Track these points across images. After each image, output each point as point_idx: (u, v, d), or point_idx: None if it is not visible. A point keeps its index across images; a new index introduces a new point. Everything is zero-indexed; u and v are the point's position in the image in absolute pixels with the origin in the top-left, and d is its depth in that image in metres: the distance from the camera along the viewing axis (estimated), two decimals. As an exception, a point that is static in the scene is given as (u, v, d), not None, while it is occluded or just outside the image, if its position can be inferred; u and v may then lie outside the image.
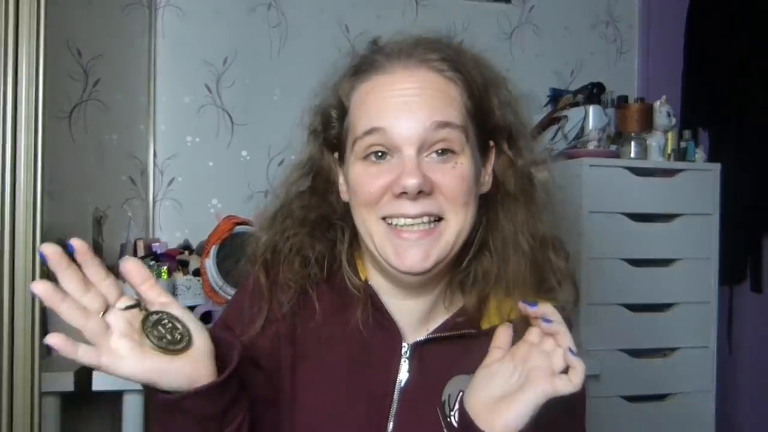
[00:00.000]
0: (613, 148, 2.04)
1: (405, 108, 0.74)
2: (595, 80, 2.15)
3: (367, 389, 0.79)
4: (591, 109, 2.01)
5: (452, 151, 0.75)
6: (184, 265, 1.81)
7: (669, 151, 2.05)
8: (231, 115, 2.15)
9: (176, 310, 0.66)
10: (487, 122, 0.80)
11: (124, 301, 0.64)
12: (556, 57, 2.41)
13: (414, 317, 0.82)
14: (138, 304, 0.64)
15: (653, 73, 2.47)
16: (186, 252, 1.88)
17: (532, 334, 0.72)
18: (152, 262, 1.69)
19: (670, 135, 2.05)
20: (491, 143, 0.81)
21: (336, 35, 2.20)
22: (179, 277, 1.76)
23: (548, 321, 0.69)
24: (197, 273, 1.75)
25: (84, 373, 1.49)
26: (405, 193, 0.73)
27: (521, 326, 0.75)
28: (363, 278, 0.82)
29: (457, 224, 0.75)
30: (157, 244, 1.87)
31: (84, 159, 2.02)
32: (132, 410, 1.49)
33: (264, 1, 2.17)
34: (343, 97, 0.80)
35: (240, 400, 0.70)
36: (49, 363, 1.55)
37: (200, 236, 1.86)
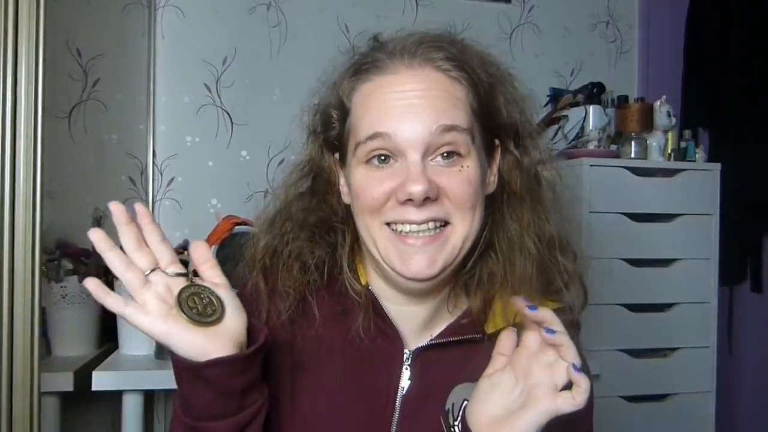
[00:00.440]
0: (613, 148, 2.04)
1: (409, 111, 0.72)
2: (595, 80, 2.15)
3: (368, 396, 0.77)
4: (591, 109, 2.01)
5: (458, 154, 0.72)
6: (184, 265, 1.81)
7: (669, 151, 2.05)
8: (231, 115, 2.15)
9: (223, 292, 0.69)
10: (493, 121, 0.78)
11: (175, 268, 0.68)
12: (556, 57, 2.41)
13: (416, 323, 0.80)
14: (186, 275, 0.68)
15: (653, 73, 2.47)
16: (186, 252, 1.87)
17: (530, 340, 0.70)
18: (152, 262, 1.68)
19: (670, 135, 2.05)
20: (497, 142, 0.79)
21: (336, 35, 2.20)
22: (179, 277, 1.76)
23: (551, 331, 0.67)
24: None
25: (83, 373, 1.49)
26: (410, 200, 0.71)
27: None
28: (364, 283, 0.80)
29: (463, 229, 0.74)
30: (157, 244, 1.86)
31: (84, 159, 2.02)
32: (132, 410, 1.49)
33: (264, 1, 2.17)
34: (344, 97, 0.78)
35: (260, 387, 0.71)
36: (49, 363, 1.55)
37: (200, 236, 1.85)
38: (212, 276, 0.70)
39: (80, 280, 1.63)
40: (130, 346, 1.60)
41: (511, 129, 0.79)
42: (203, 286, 0.68)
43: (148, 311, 0.65)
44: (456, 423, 0.75)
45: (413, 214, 0.71)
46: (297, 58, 2.17)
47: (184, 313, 0.65)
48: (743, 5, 2.29)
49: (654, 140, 2.03)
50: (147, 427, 1.71)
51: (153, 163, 2.09)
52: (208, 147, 2.13)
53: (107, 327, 1.72)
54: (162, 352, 1.50)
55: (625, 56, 2.51)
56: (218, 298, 0.68)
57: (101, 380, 1.43)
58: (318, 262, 0.80)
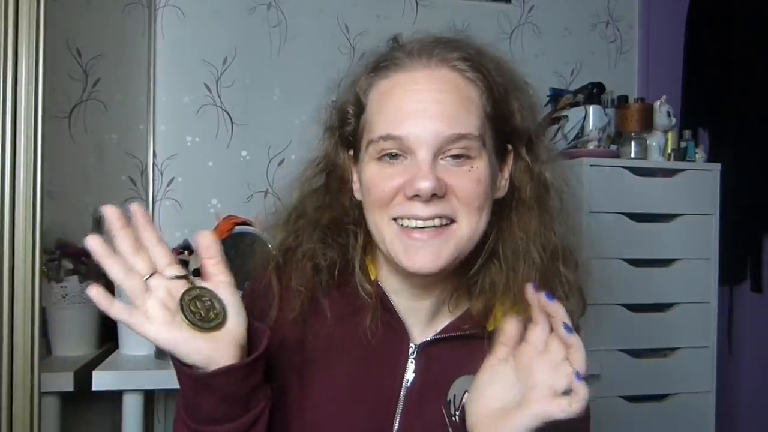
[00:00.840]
0: (613, 148, 2.04)
1: (423, 115, 0.73)
2: (595, 80, 2.15)
3: (374, 388, 0.79)
4: (591, 109, 2.01)
5: (468, 156, 0.74)
6: (184, 265, 1.81)
7: (669, 151, 2.05)
8: (231, 115, 2.15)
9: (225, 291, 0.68)
10: (506, 125, 0.79)
11: (174, 271, 0.67)
12: (556, 57, 2.41)
13: (421, 317, 0.82)
14: (186, 277, 0.67)
15: (653, 73, 2.47)
16: (186, 252, 1.87)
17: (536, 337, 0.69)
18: (152, 262, 1.68)
19: (670, 135, 2.05)
20: (509, 147, 0.80)
21: (336, 35, 2.19)
22: (179, 277, 1.76)
23: (569, 329, 0.66)
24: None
25: (84, 373, 1.49)
26: (418, 195, 0.72)
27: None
28: (374, 278, 0.82)
29: (469, 227, 0.75)
30: (157, 244, 1.86)
31: (84, 159, 2.02)
32: (132, 410, 1.49)
33: (264, 1, 2.17)
34: (361, 93, 0.80)
35: (264, 388, 0.71)
36: (49, 363, 1.55)
37: (200, 236, 1.86)
38: (217, 273, 0.69)
39: (80, 281, 1.63)
40: (130, 346, 1.60)
41: (524, 135, 0.80)
42: (204, 288, 0.68)
43: (152, 319, 0.64)
44: (456, 413, 0.77)
45: (420, 209, 0.73)
46: (297, 58, 2.17)
47: (188, 320, 0.65)
48: (743, 5, 2.29)
49: (654, 140, 2.03)
50: (147, 427, 1.71)
51: (153, 163, 2.09)
52: (208, 147, 2.13)
53: (107, 327, 1.73)
54: (162, 352, 1.50)
55: (625, 56, 2.51)
56: (220, 301, 0.68)
57: (101, 380, 1.43)
58: (330, 263, 0.81)
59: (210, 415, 0.68)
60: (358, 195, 0.82)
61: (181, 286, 0.67)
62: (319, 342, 0.81)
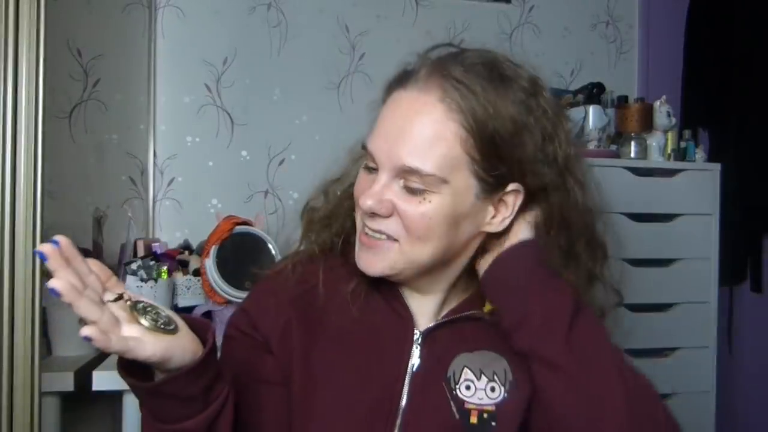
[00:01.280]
0: (613, 148, 2.04)
1: (390, 137, 0.76)
2: (595, 80, 2.15)
3: (380, 373, 0.81)
4: (591, 109, 2.01)
5: (422, 189, 0.75)
6: (184, 265, 1.81)
7: (669, 151, 2.05)
8: (231, 115, 2.15)
9: (144, 299, 0.68)
10: (508, 164, 0.77)
11: (108, 295, 0.65)
12: (556, 57, 2.41)
13: (428, 309, 0.85)
14: (121, 296, 0.66)
15: (653, 73, 2.47)
16: (186, 252, 1.88)
17: None
18: (152, 262, 1.69)
19: (670, 135, 2.06)
20: (514, 186, 0.78)
21: (336, 35, 2.19)
22: (179, 277, 1.76)
23: None
24: (197, 273, 1.75)
25: (84, 373, 1.49)
26: None
27: None
28: None
29: (411, 253, 0.77)
30: (157, 244, 1.86)
31: (84, 159, 2.02)
32: (132, 410, 1.49)
33: (264, 1, 2.17)
34: (383, 102, 0.82)
35: (222, 377, 0.72)
36: (49, 363, 1.55)
37: (200, 236, 1.86)
38: (119, 289, 0.66)
39: (80, 280, 1.63)
40: (131, 346, 1.60)
41: (548, 173, 0.79)
42: (140, 301, 0.67)
43: (140, 339, 0.63)
44: (457, 386, 0.80)
45: (367, 220, 0.79)
46: (297, 58, 2.17)
47: (159, 328, 0.65)
48: (743, 5, 2.29)
49: (654, 140, 2.03)
50: (147, 427, 1.70)
51: (153, 163, 2.09)
52: (209, 147, 2.13)
53: (107, 327, 1.72)
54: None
55: (625, 56, 2.51)
56: (156, 306, 0.67)
57: (101, 380, 1.43)
58: (344, 239, 0.87)
59: (173, 416, 0.69)
60: None
61: (124, 306, 0.65)
62: (324, 322, 0.83)
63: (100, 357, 1.63)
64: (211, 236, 1.70)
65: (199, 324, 0.72)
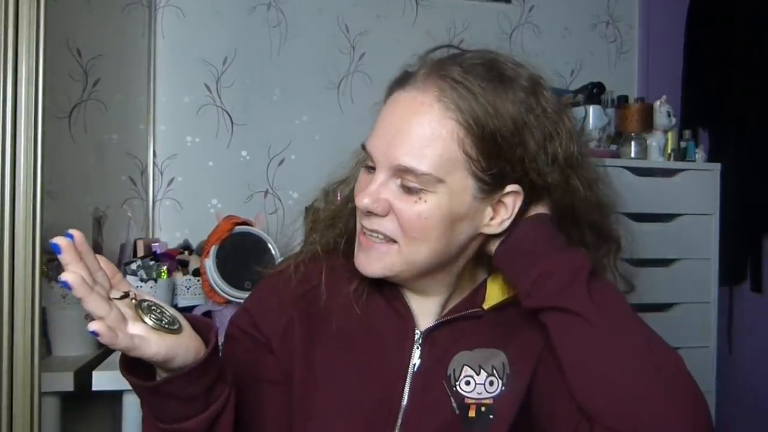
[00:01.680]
0: (613, 148, 2.04)
1: (387, 137, 0.76)
2: (595, 80, 2.15)
3: (381, 373, 0.82)
4: (591, 109, 2.01)
5: (419, 189, 0.75)
6: (183, 265, 1.81)
7: (669, 151, 2.05)
8: (231, 115, 2.15)
9: (150, 298, 0.69)
10: (509, 165, 0.76)
11: (114, 293, 0.65)
12: (556, 57, 2.41)
13: (430, 308, 0.85)
14: (127, 295, 0.66)
15: (653, 73, 2.47)
16: (186, 252, 1.88)
17: None
18: (152, 262, 1.69)
19: (670, 135, 2.06)
20: (513, 188, 0.78)
21: (336, 35, 2.19)
22: (179, 277, 1.76)
23: None
24: (197, 273, 1.75)
25: (84, 373, 1.49)
26: None
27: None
28: None
29: (408, 253, 0.77)
30: (157, 244, 1.86)
31: (84, 159, 2.02)
32: (132, 410, 1.49)
33: (264, 1, 2.17)
34: (384, 102, 0.82)
35: (223, 377, 0.72)
36: (49, 363, 1.55)
37: (200, 236, 1.86)
38: (126, 288, 0.67)
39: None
40: (130, 346, 1.60)
41: (550, 172, 0.79)
42: (146, 299, 0.67)
43: (145, 337, 0.63)
44: (457, 383, 0.81)
45: (364, 220, 0.79)
46: (297, 58, 2.17)
47: (162, 327, 0.65)
48: (743, 5, 2.29)
49: (654, 140, 2.03)
50: (147, 427, 1.70)
51: (153, 163, 2.09)
52: (208, 147, 2.13)
53: (107, 327, 1.72)
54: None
55: (625, 56, 2.51)
56: (161, 305, 0.68)
57: (101, 380, 1.43)
58: (347, 238, 0.86)
59: (174, 415, 0.70)
60: None
61: (129, 304, 0.65)
62: (325, 321, 0.84)
63: (99, 357, 1.63)
64: (210, 236, 1.70)
65: (202, 324, 0.72)
